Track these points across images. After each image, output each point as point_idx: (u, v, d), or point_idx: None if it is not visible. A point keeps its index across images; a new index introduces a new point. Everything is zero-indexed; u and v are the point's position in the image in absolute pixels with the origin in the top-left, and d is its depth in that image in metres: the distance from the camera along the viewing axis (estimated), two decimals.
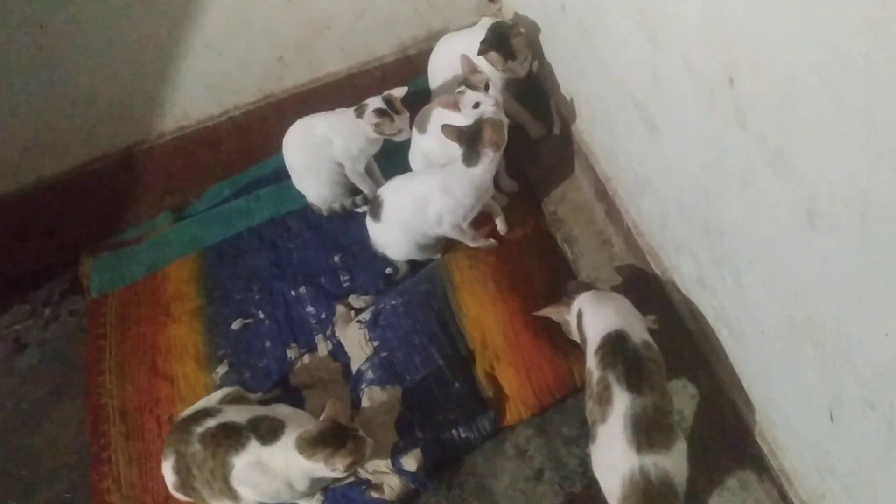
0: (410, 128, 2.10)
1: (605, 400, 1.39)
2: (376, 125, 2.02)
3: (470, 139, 1.85)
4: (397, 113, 2.03)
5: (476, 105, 1.92)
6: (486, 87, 1.94)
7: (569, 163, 2.11)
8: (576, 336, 1.61)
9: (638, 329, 1.48)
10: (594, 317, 1.53)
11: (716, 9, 1.03)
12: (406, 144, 2.18)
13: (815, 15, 0.81)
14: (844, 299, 0.95)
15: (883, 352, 0.90)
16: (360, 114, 2.04)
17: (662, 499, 1.32)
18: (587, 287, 1.65)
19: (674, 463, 1.35)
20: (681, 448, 1.37)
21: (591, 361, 1.47)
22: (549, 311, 1.68)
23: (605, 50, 1.58)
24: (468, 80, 1.97)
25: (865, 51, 0.75)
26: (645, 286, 1.76)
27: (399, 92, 2.05)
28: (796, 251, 1.03)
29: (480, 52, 2.03)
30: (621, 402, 1.37)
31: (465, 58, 2.00)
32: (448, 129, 1.89)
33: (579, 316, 1.56)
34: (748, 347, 1.36)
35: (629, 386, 1.38)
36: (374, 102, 2.04)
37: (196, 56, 2.25)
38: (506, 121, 1.90)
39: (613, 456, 1.36)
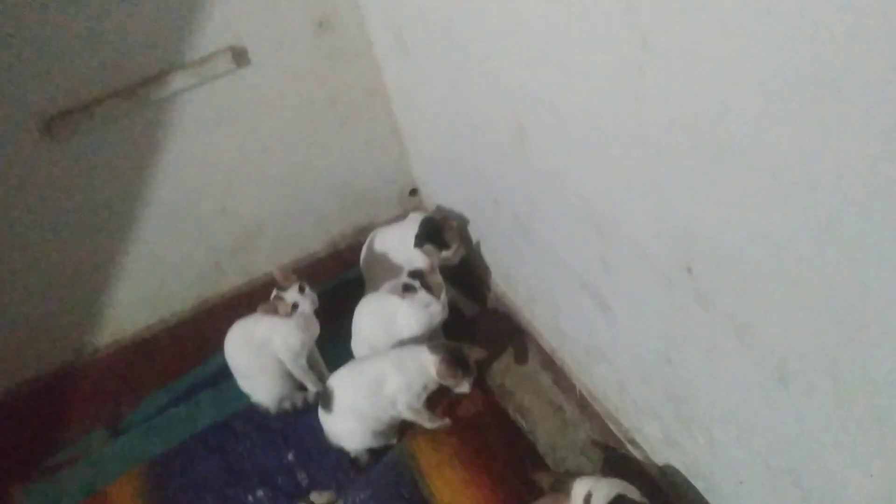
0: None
1: None
2: (277, 309, 2.08)
3: None
4: (283, 290, 2.09)
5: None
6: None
7: (509, 336, 2.25)
8: None
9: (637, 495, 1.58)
10: (604, 492, 1.60)
11: (667, 210, 1.21)
12: (348, 335, 2.26)
13: (764, 210, 0.98)
14: (824, 448, 1.09)
15: (869, 491, 1.04)
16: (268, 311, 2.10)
17: None
18: (573, 476, 1.73)
19: None
20: None
21: None
22: (548, 502, 1.73)
23: (546, 239, 1.77)
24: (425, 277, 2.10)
25: (819, 243, 0.92)
26: (607, 449, 1.87)
27: (276, 273, 2.11)
28: (770, 410, 1.18)
29: (416, 246, 2.20)
30: None
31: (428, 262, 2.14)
32: None
33: (587, 497, 1.63)
34: (727, 499, 1.48)
35: None
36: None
37: (132, 269, 2.30)
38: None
39: None
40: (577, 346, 1.89)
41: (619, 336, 1.61)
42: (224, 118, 2.20)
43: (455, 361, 1.96)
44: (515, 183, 1.77)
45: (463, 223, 2.28)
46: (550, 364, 2.06)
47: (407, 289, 2.05)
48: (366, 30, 2.26)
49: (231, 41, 2.11)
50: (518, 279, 2.12)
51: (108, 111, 2.02)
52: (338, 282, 2.52)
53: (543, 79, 1.40)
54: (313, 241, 2.55)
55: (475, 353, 2.03)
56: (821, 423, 1.08)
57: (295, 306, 2.08)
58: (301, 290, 2.09)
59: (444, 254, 2.22)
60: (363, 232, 2.52)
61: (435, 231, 2.22)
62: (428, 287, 2.06)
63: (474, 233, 2.28)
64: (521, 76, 1.48)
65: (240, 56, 2.13)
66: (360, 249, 2.46)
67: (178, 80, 2.08)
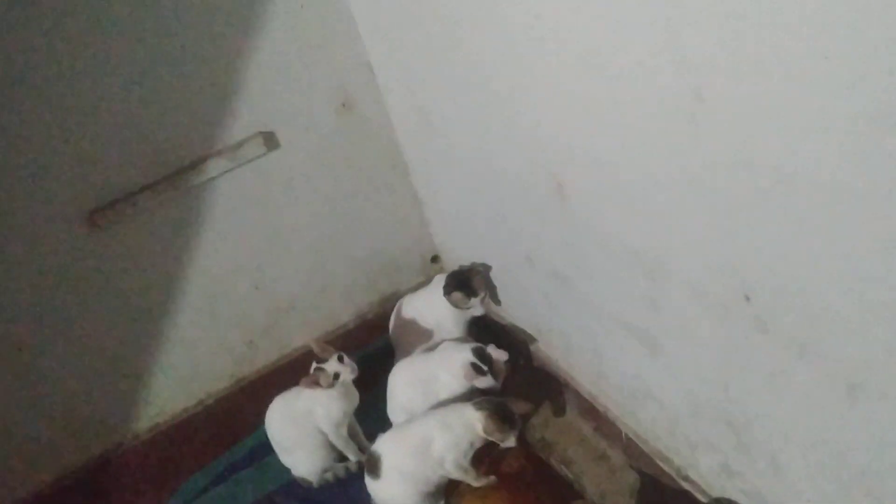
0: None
1: None
2: (318, 381, 2.13)
3: None
4: (324, 361, 2.15)
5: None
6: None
7: (544, 388, 2.32)
8: None
9: None
10: None
11: (723, 245, 1.30)
12: (383, 402, 2.31)
13: (825, 233, 1.07)
14: None
15: None
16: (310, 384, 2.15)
17: None
18: None
19: None
20: None
21: None
22: None
23: (587, 289, 1.86)
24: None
25: (883, 259, 1.02)
26: (659, 489, 1.92)
27: (314, 345, 2.17)
28: (839, 422, 1.25)
29: (445, 294, 2.30)
30: None
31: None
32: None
33: None
34: None
35: None
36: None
37: (169, 352, 2.34)
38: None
39: None
40: (620, 391, 1.96)
41: (670, 373, 1.68)
42: (256, 199, 2.30)
43: (501, 416, 2.02)
44: (553, 238, 1.87)
45: (487, 272, 2.38)
46: (591, 412, 2.13)
47: (477, 370, 2.12)
48: (385, 107, 2.39)
49: (261, 126, 2.22)
50: (553, 331, 2.20)
51: (148, 200, 2.11)
52: (367, 351, 2.58)
53: (587, 135, 1.51)
54: (342, 313, 2.62)
55: (520, 407, 2.09)
56: (894, 426, 1.16)
57: (336, 376, 2.13)
58: (340, 359, 2.15)
59: (473, 301, 2.31)
60: (389, 300, 2.60)
61: (463, 279, 2.31)
62: (494, 374, 2.14)
63: (503, 293, 2.37)
64: (562, 136, 1.59)
65: (270, 140, 2.24)
66: (387, 318, 2.54)
67: (213, 167, 2.18)
